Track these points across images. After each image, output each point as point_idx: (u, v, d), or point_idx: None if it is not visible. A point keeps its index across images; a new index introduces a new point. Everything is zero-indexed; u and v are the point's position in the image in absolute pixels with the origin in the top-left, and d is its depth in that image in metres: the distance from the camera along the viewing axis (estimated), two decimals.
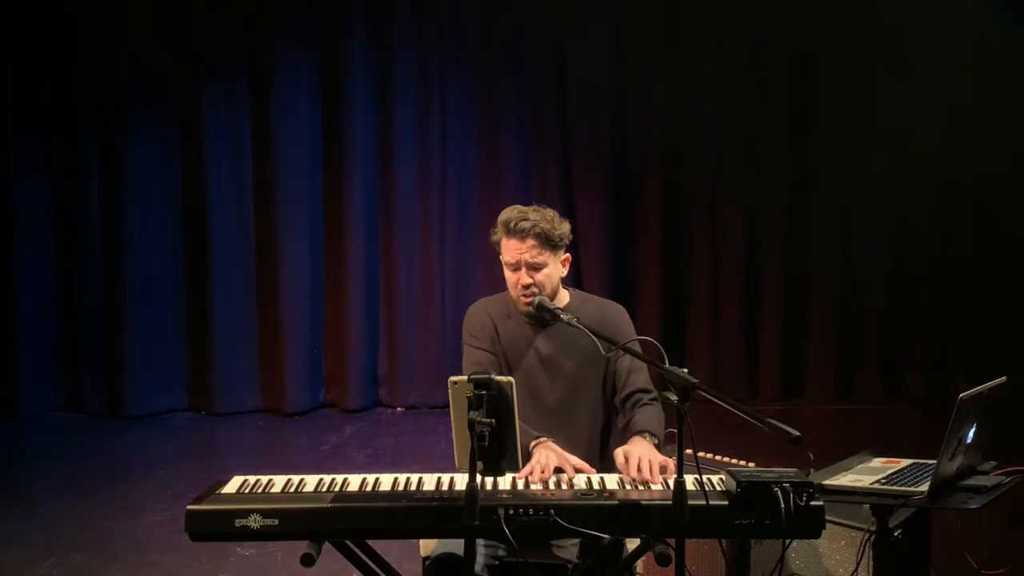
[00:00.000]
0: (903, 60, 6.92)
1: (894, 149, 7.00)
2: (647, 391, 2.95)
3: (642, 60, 7.06)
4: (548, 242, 2.89)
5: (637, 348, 2.86)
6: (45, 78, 6.76)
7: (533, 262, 2.88)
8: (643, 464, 2.55)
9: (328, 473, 2.58)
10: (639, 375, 2.96)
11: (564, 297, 3.01)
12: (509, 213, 2.93)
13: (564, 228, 2.94)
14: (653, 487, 2.50)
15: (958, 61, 6.84)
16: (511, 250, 2.90)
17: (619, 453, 2.65)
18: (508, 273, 2.94)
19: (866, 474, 2.83)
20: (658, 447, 2.75)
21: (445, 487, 2.49)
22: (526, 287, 2.89)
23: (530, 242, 2.87)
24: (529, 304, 2.89)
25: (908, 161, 6.98)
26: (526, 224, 2.87)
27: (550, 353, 2.97)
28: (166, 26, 6.79)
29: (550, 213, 2.94)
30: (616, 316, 3.03)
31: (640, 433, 2.76)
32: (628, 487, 2.51)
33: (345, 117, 6.94)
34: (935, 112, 6.90)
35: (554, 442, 2.74)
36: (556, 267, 2.94)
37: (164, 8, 6.79)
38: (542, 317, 2.92)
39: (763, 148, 7.09)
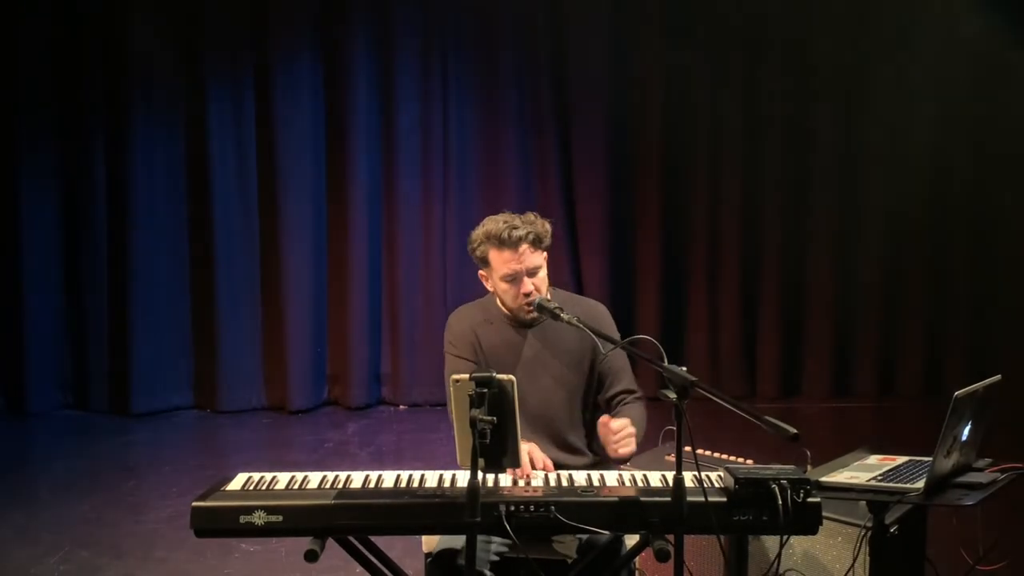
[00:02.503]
0: (902, 56, 6.94)
1: (892, 148, 7.00)
2: (631, 391, 3.00)
3: (642, 60, 7.06)
4: (539, 243, 2.92)
5: (635, 346, 2.90)
6: (52, 77, 6.77)
7: (531, 267, 2.89)
8: (623, 431, 2.64)
9: (331, 470, 2.61)
10: (625, 376, 3.01)
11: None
12: (494, 225, 2.90)
13: (548, 226, 2.97)
14: (652, 483, 2.54)
15: (958, 60, 6.84)
16: (507, 262, 2.88)
17: (605, 419, 2.71)
18: (505, 286, 2.93)
19: (863, 471, 2.85)
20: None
21: (447, 484, 2.51)
22: (527, 295, 2.90)
23: (524, 247, 2.88)
24: (531, 311, 2.90)
25: (906, 160, 6.99)
26: (518, 232, 2.87)
27: (534, 354, 2.99)
28: (171, 24, 6.80)
29: (531, 215, 2.95)
30: (600, 314, 3.07)
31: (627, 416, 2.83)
32: (627, 483, 2.55)
33: (348, 117, 6.95)
34: (934, 110, 6.91)
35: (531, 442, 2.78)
36: (545, 266, 2.96)
37: (169, 6, 6.80)
38: (524, 319, 2.95)
39: (762, 147, 7.10)
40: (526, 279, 2.89)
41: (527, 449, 2.69)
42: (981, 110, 6.87)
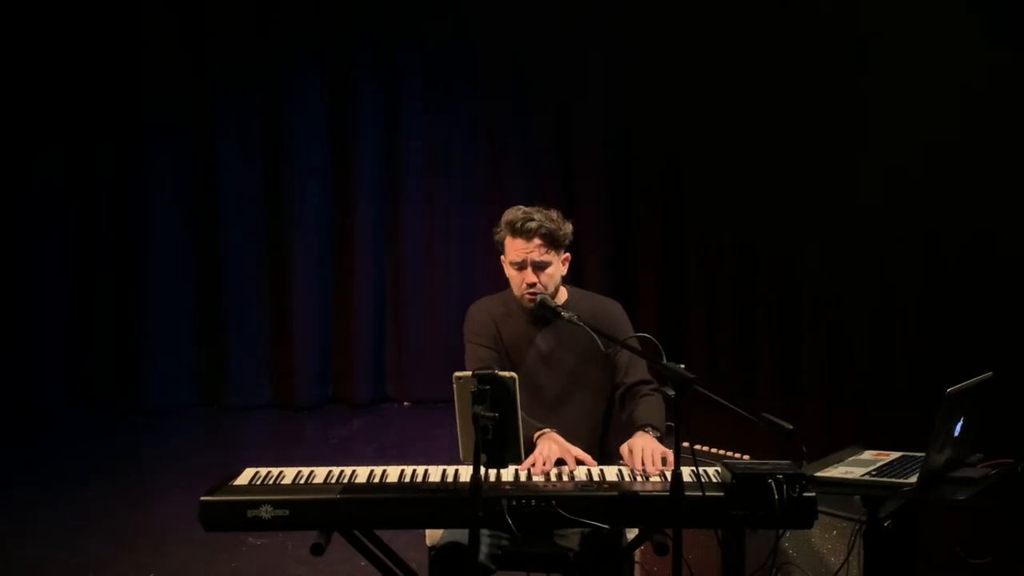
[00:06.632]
0: (901, 57, 6.97)
1: (886, 151, 7.03)
2: (647, 382, 3.00)
3: (642, 63, 7.11)
4: (553, 242, 2.94)
5: (636, 344, 2.94)
6: (64, 84, 6.81)
7: (538, 261, 2.92)
8: (645, 456, 2.63)
9: (337, 465, 2.64)
10: (639, 366, 3.01)
11: (562, 294, 3.06)
12: (514, 213, 2.97)
13: (567, 228, 3.00)
14: (652, 479, 2.58)
15: (955, 64, 6.88)
16: (517, 250, 2.94)
17: (624, 448, 2.73)
18: (512, 272, 2.99)
19: (857, 466, 2.90)
20: (660, 439, 2.82)
21: (450, 479, 2.55)
22: (531, 285, 2.94)
23: (536, 241, 2.91)
24: (533, 301, 2.94)
25: (900, 163, 7.01)
26: (532, 224, 2.91)
27: (550, 349, 3.03)
28: (182, 49, 6.87)
29: (554, 213, 2.99)
30: (613, 312, 3.10)
31: (643, 427, 2.83)
32: (627, 479, 2.59)
33: (354, 119, 7.03)
34: (928, 114, 6.93)
35: (555, 433, 2.83)
36: (559, 266, 2.99)
37: (180, 33, 6.87)
38: (542, 315, 2.97)
39: (759, 149, 7.13)
40: (531, 270, 2.93)
41: (553, 446, 2.71)
42: (980, 111, 6.90)
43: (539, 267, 2.94)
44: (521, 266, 2.95)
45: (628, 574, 2.89)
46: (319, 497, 2.45)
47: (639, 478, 2.58)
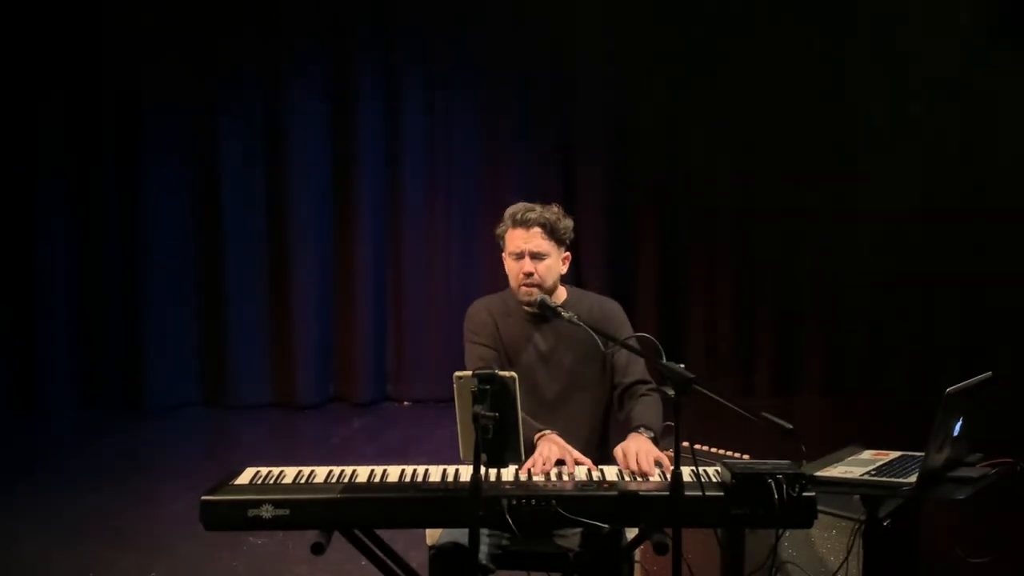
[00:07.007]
0: (895, 55, 6.98)
1: (886, 148, 7.05)
2: (645, 381, 3.00)
3: (642, 62, 7.12)
4: (552, 233, 2.96)
5: (635, 343, 2.94)
6: (65, 85, 6.83)
7: (536, 251, 2.94)
8: (640, 459, 2.64)
9: (337, 465, 2.65)
10: (637, 366, 3.02)
11: (561, 294, 3.06)
12: (515, 207, 3.00)
13: (567, 222, 3.02)
14: (651, 478, 2.59)
15: (952, 67, 6.89)
16: (516, 240, 2.96)
17: (618, 451, 2.73)
18: (511, 263, 2.99)
19: (857, 466, 2.90)
20: (655, 440, 2.81)
21: (451, 479, 2.56)
22: (527, 275, 2.94)
23: (535, 230, 2.94)
24: (529, 295, 2.94)
25: (898, 164, 7.03)
26: (532, 215, 2.95)
27: (549, 348, 3.03)
28: (182, 51, 6.89)
29: (555, 207, 3.02)
30: (612, 311, 3.10)
31: (636, 429, 2.83)
32: (627, 478, 2.59)
33: (354, 120, 7.05)
34: (926, 115, 6.95)
35: (556, 435, 2.83)
36: (557, 262, 3.00)
37: (183, 33, 6.88)
38: (541, 314, 2.98)
39: (758, 150, 7.15)
40: (528, 260, 2.94)
41: (553, 447, 2.72)
42: (975, 112, 6.91)
43: (537, 257, 2.94)
44: (519, 256, 2.96)
45: (628, 574, 2.89)
46: (320, 496, 2.45)
47: (639, 478, 2.59)
